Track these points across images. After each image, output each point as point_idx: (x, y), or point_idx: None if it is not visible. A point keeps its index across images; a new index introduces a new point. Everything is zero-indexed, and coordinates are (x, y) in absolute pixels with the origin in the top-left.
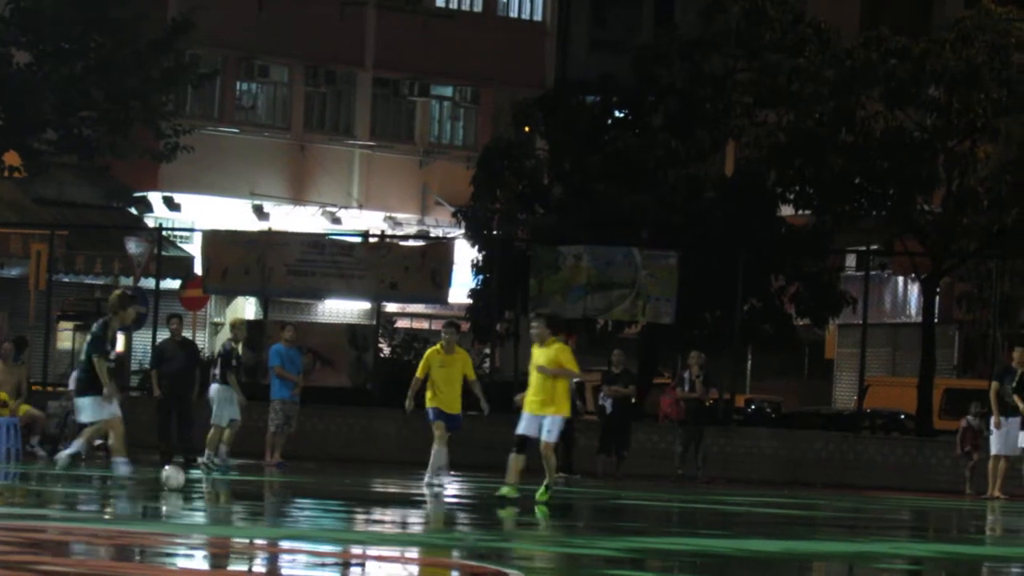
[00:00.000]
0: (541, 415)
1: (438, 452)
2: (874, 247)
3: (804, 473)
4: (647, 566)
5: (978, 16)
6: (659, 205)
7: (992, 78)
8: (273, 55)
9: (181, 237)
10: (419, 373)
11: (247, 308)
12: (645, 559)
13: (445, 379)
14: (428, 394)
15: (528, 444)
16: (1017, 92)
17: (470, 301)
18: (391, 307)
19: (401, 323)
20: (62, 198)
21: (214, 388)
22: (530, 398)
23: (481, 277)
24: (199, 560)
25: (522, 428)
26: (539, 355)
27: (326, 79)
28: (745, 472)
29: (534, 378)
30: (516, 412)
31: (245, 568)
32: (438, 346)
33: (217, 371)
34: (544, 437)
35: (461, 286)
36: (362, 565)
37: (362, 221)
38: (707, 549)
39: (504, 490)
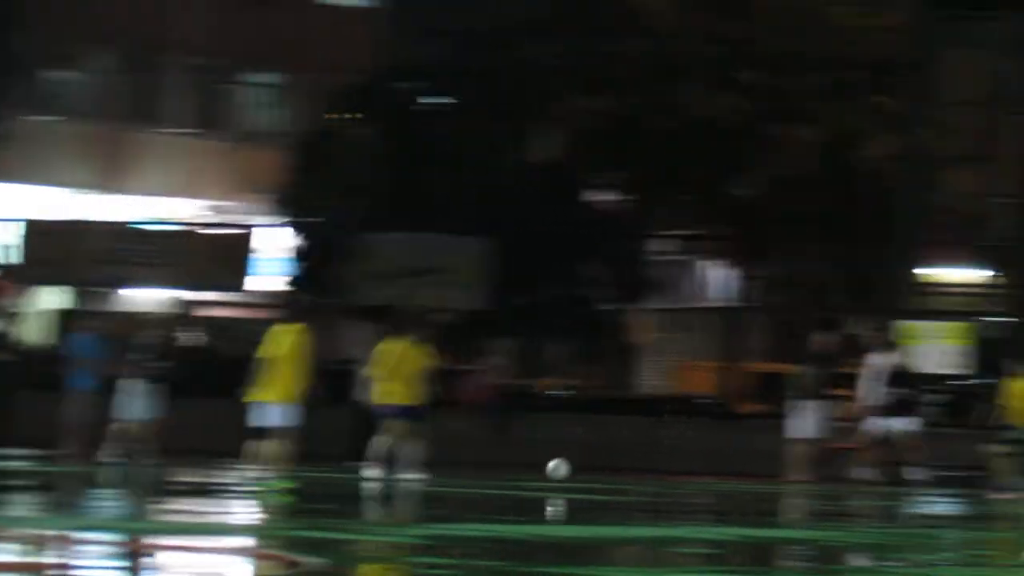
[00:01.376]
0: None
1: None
2: (684, 232)
3: (609, 458)
4: (449, 553)
5: (796, 1)
6: (473, 191)
7: (809, 63)
8: (89, 42)
9: None
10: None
11: (55, 298)
12: (447, 546)
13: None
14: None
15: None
16: (832, 77)
17: (288, 288)
18: (206, 295)
19: (215, 311)
20: None
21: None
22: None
23: (297, 264)
24: None
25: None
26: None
27: (143, 66)
28: (551, 457)
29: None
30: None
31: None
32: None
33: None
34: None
35: (271, 274)
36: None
37: (180, 209)
38: (508, 535)
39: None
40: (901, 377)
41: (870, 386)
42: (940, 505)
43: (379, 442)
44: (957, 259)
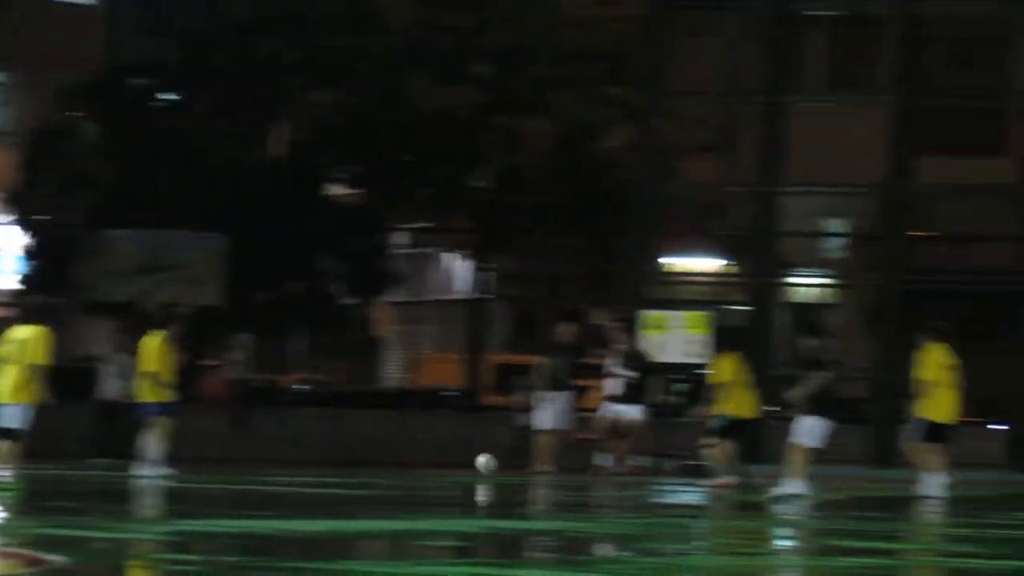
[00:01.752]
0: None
1: None
2: (423, 225)
3: (353, 452)
4: (195, 549)
5: None
6: (208, 187)
7: (541, 55)
8: None
9: None
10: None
11: None
12: (193, 542)
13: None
14: None
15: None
16: (566, 68)
17: (22, 287)
18: None
19: None
20: None
21: None
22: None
23: (28, 263)
24: None
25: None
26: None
27: None
28: (293, 452)
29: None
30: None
31: None
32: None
33: None
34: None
35: (6, 274)
36: None
37: None
38: (253, 530)
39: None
40: (635, 364)
41: (618, 373)
42: (685, 494)
43: (146, 439)
44: (695, 248)
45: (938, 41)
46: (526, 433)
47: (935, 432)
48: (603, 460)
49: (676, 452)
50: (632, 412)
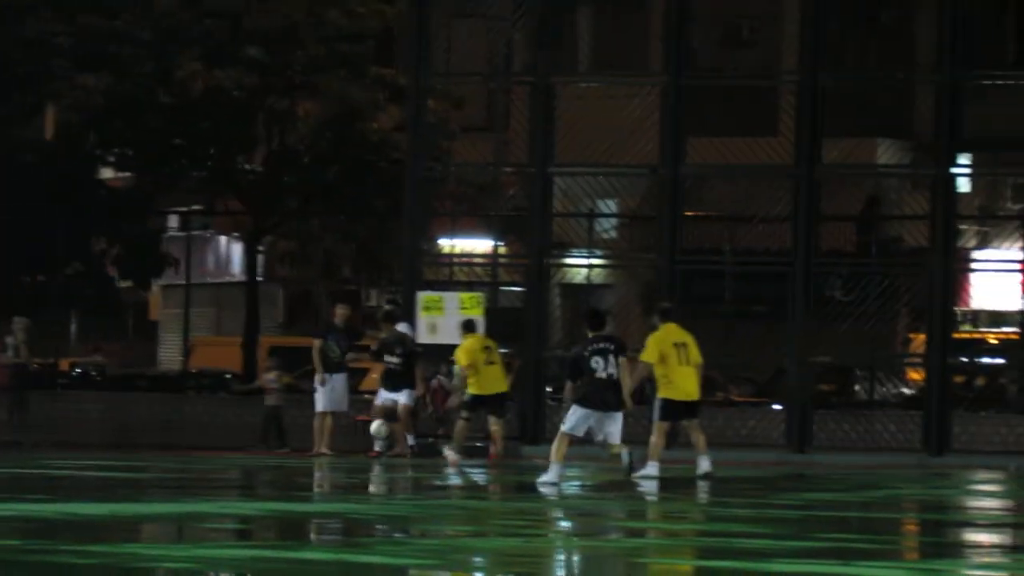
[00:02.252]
0: None
1: None
2: (196, 207)
3: (131, 435)
4: None
5: None
6: None
7: (310, 35)
8: None
9: None
10: None
11: None
12: None
13: None
14: None
15: None
16: (334, 49)
17: None
18: None
19: None
20: None
21: None
22: None
23: None
24: None
25: None
26: None
27: None
28: (72, 436)
29: None
30: None
31: None
32: None
33: None
34: None
35: None
36: None
37: None
38: (32, 514)
39: None
40: (401, 349)
41: (385, 357)
42: (470, 476)
43: None
44: (469, 229)
45: (710, 21)
46: (275, 414)
47: (672, 410)
48: (382, 442)
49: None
50: (399, 397)
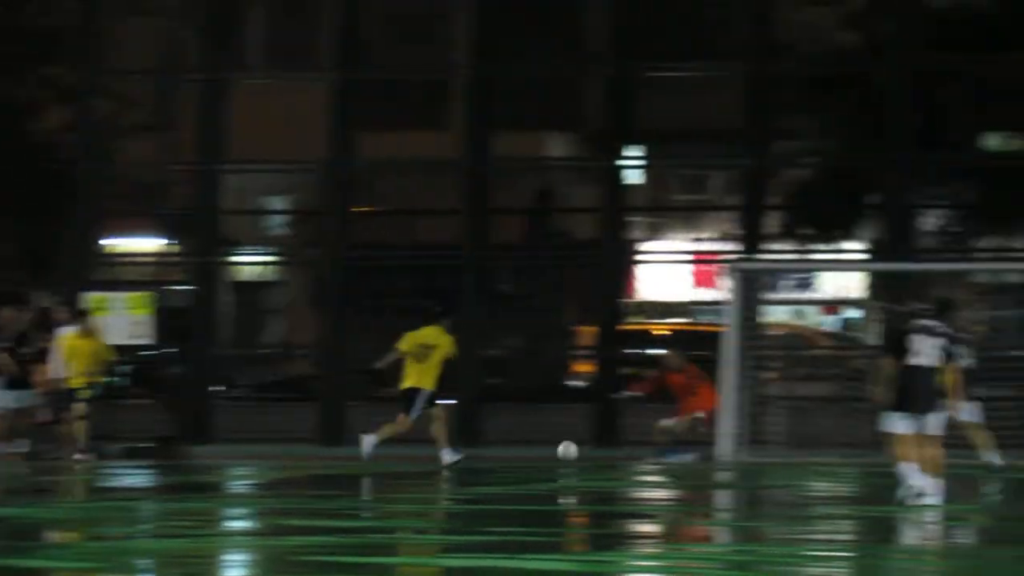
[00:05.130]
0: None
1: None
2: None
3: None
4: None
5: None
6: None
7: None
8: None
9: None
10: None
11: None
12: None
13: None
14: None
15: None
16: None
17: None
18: None
19: None
20: None
21: None
22: None
23: None
24: None
25: None
26: None
27: None
28: None
29: None
30: None
31: None
32: None
33: None
34: None
35: None
36: None
37: None
38: None
39: None
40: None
41: (58, 360)
42: (131, 477)
43: None
44: (138, 228)
45: (380, 16)
46: None
47: (413, 399)
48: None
49: (126, 434)
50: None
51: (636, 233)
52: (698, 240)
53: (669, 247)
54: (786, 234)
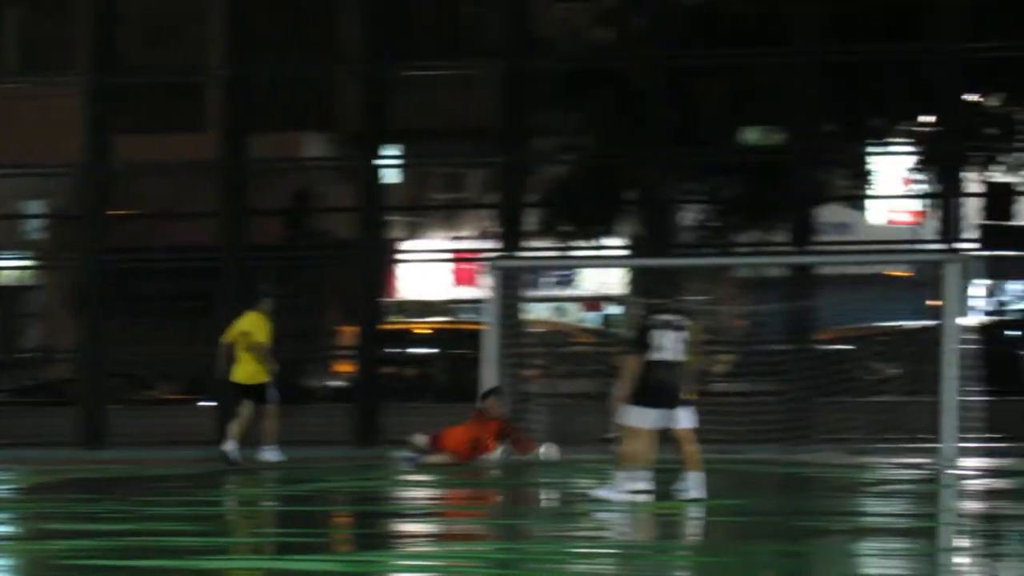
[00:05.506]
0: None
1: None
2: None
3: None
4: None
5: None
6: None
7: None
8: None
9: None
10: None
11: None
12: None
13: None
14: None
15: None
16: None
17: None
18: None
19: None
20: None
21: None
22: None
23: None
24: None
25: None
26: None
27: None
28: None
29: None
30: None
31: None
32: None
33: None
34: None
35: None
36: None
37: None
38: None
39: None
40: None
41: None
42: None
43: None
44: None
45: (135, 20)
46: None
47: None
48: None
49: None
50: None
51: (395, 232)
52: (457, 238)
53: (429, 246)
54: (546, 231)
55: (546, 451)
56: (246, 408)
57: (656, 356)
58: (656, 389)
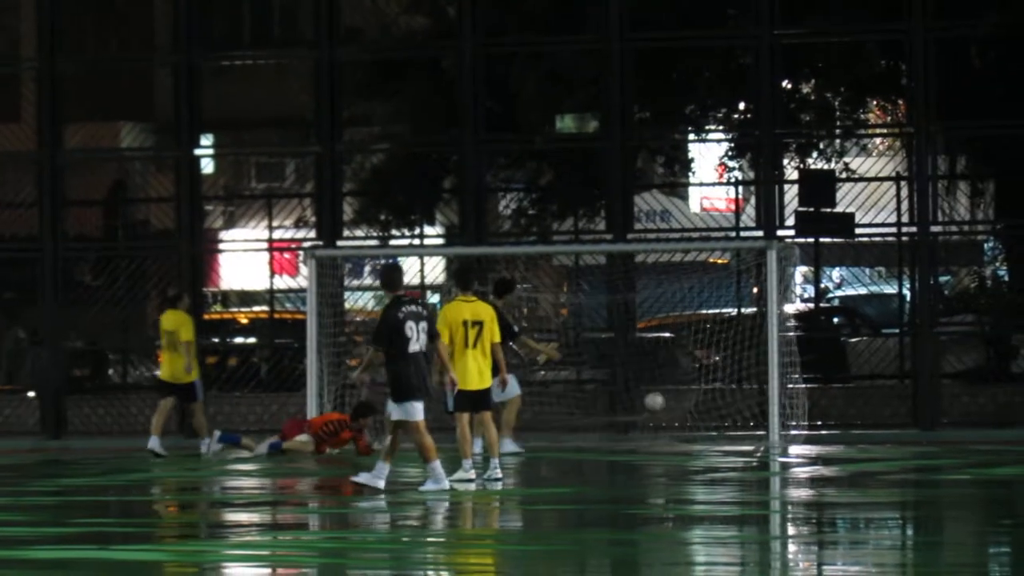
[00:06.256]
0: None
1: None
2: None
3: None
4: None
5: None
6: None
7: None
8: None
9: None
10: None
11: None
12: None
13: None
14: None
15: None
16: None
17: None
18: None
19: None
20: None
21: None
22: None
23: None
24: None
25: None
26: None
27: None
28: None
29: None
30: None
31: None
32: None
33: None
34: None
35: None
36: None
37: None
38: None
39: None
40: None
41: None
42: None
43: None
44: None
45: None
46: None
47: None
48: None
49: None
50: None
51: (213, 222)
52: (275, 228)
53: (247, 235)
54: (364, 220)
55: (651, 401)
56: (167, 403)
57: (411, 348)
58: (415, 382)
